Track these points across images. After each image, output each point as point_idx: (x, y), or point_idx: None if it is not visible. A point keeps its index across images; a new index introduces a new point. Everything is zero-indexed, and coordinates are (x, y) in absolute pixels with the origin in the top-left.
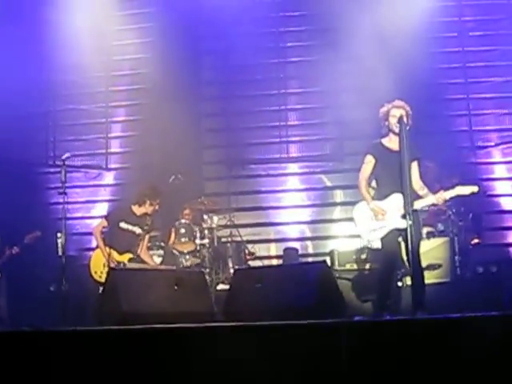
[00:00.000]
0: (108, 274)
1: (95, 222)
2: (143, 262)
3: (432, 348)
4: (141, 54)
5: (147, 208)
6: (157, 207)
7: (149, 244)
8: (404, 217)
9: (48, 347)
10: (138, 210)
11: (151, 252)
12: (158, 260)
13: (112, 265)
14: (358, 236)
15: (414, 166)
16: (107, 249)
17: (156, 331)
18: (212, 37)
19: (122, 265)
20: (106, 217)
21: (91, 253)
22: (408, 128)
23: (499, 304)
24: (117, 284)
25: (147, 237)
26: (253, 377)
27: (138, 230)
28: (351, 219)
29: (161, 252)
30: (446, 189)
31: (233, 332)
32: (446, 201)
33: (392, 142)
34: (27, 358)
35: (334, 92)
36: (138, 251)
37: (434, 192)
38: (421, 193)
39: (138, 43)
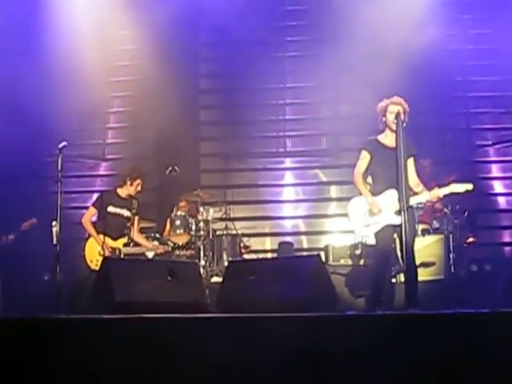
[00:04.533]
0: (102, 262)
1: None
2: (137, 244)
3: (424, 343)
4: (139, 44)
5: (128, 188)
6: (139, 188)
7: (143, 233)
8: (398, 213)
9: (41, 334)
10: (121, 192)
11: None
12: (154, 242)
13: (107, 252)
14: (352, 231)
15: (410, 162)
16: (101, 236)
17: (148, 321)
18: (211, 29)
19: (117, 251)
20: (93, 204)
21: (86, 242)
22: (404, 125)
23: (492, 302)
24: (110, 273)
25: (137, 219)
26: (244, 369)
27: (126, 213)
28: (346, 215)
29: (156, 242)
30: (442, 186)
31: (225, 323)
32: (439, 198)
33: (388, 139)
34: (19, 345)
35: (331, 87)
36: (131, 234)
37: (429, 189)
38: (416, 189)
39: (137, 34)
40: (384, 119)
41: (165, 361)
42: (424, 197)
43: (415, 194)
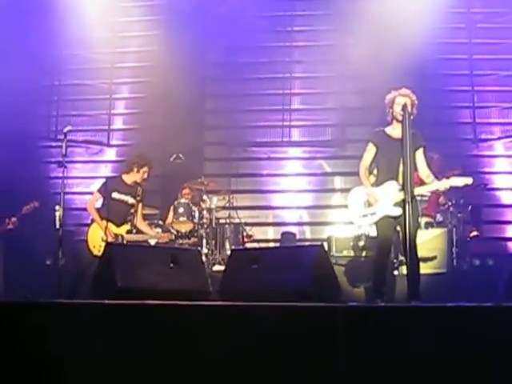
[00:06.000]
0: (104, 248)
1: None
2: (140, 232)
3: (425, 336)
4: (147, 31)
5: (135, 175)
6: (145, 176)
7: (146, 220)
8: (397, 204)
9: (42, 319)
10: (127, 179)
11: None
12: (156, 230)
13: (110, 238)
14: (351, 221)
15: (420, 153)
16: (104, 222)
17: (150, 307)
18: (219, 18)
19: (119, 238)
20: (98, 189)
21: (89, 228)
22: (412, 117)
23: (494, 297)
24: (113, 259)
25: (140, 206)
26: (245, 357)
27: (130, 200)
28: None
29: (159, 230)
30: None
31: (227, 311)
32: (446, 189)
33: (395, 130)
34: (20, 330)
35: (338, 78)
36: (135, 221)
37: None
38: (427, 181)
39: (144, 21)
40: (391, 111)
41: (165, 347)
42: (428, 188)
43: (422, 184)
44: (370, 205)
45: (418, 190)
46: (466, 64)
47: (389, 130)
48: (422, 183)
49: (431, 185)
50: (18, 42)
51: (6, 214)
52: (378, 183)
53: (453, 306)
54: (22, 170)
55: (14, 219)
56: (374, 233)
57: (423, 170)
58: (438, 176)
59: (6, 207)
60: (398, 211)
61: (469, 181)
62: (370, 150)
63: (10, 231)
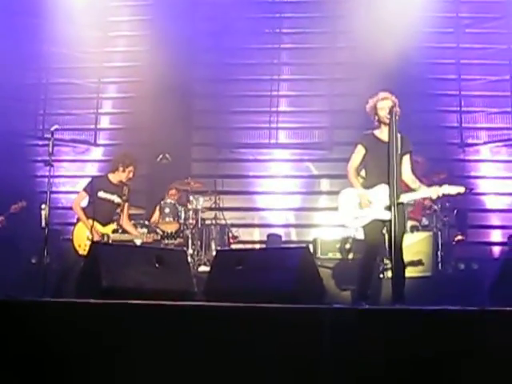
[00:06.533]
0: (90, 247)
1: None
2: (125, 231)
3: (409, 339)
4: (135, 31)
5: (120, 175)
6: (130, 175)
7: (132, 220)
8: (388, 208)
9: (26, 317)
10: (113, 178)
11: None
12: (141, 230)
13: (96, 237)
14: (341, 224)
15: (406, 159)
16: (90, 221)
17: (135, 307)
18: (208, 18)
19: (105, 237)
20: (84, 188)
21: (74, 227)
22: (397, 116)
23: (478, 301)
24: (98, 258)
25: (126, 206)
26: (229, 358)
27: (116, 199)
28: (336, 208)
29: (144, 230)
30: (434, 185)
31: (212, 312)
32: (439, 197)
33: (383, 133)
34: (3, 328)
35: (325, 81)
36: (120, 221)
37: (428, 186)
38: (413, 186)
39: (133, 21)
40: (376, 117)
41: (150, 347)
42: (422, 193)
43: (411, 190)
44: (362, 207)
45: (408, 196)
46: (454, 68)
47: (378, 133)
48: (407, 188)
49: (423, 191)
50: (5, 40)
51: None
52: (368, 186)
53: (437, 309)
54: (9, 169)
55: (1, 218)
56: (360, 235)
57: (408, 175)
58: (422, 179)
59: None
60: (389, 215)
61: (461, 189)
62: (359, 152)
63: None
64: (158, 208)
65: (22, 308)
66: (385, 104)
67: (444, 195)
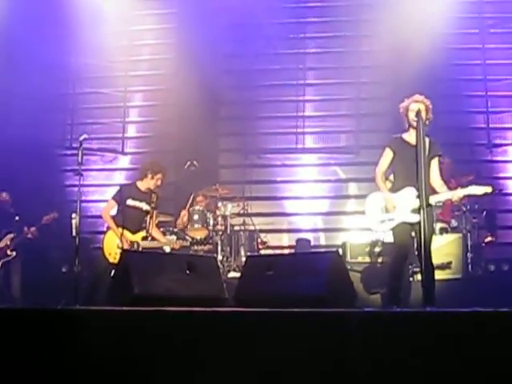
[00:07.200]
0: (120, 255)
1: None
2: (154, 239)
3: (441, 342)
4: (160, 39)
5: (149, 182)
6: (159, 182)
7: (161, 227)
8: (415, 211)
9: (58, 326)
10: (141, 186)
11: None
12: (170, 238)
13: (126, 245)
14: (370, 229)
15: (435, 162)
16: (120, 229)
17: (167, 314)
18: (232, 25)
19: (135, 245)
20: (113, 197)
21: (105, 235)
22: (428, 122)
23: (509, 302)
24: (129, 266)
25: (155, 213)
26: (261, 363)
27: (145, 207)
28: (364, 212)
29: (173, 237)
30: (462, 186)
31: (244, 318)
32: (460, 199)
33: (412, 137)
34: (36, 336)
35: (351, 84)
36: (149, 229)
37: (449, 188)
38: (440, 190)
39: (158, 29)
40: (407, 118)
41: (182, 354)
42: (445, 196)
43: (435, 193)
44: (387, 211)
45: (436, 198)
46: (480, 69)
47: (406, 136)
48: (433, 192)
49: (450, 193)
50: (33, 51)
51: (25, 221)
52: (394, 189)
53: (468, 311)
54: (40, 179)
55: (33, 229)
56: (389, 239)
57: (436, 179)
58: (451, 181)
59: (25, 215)
60: (416, 218)
61: (488, 189)
62: (387, 156)
63: (28, 240)
64: (186, 215)
65: (54, 316)
66: (416, 106)
67: (471, 195)
